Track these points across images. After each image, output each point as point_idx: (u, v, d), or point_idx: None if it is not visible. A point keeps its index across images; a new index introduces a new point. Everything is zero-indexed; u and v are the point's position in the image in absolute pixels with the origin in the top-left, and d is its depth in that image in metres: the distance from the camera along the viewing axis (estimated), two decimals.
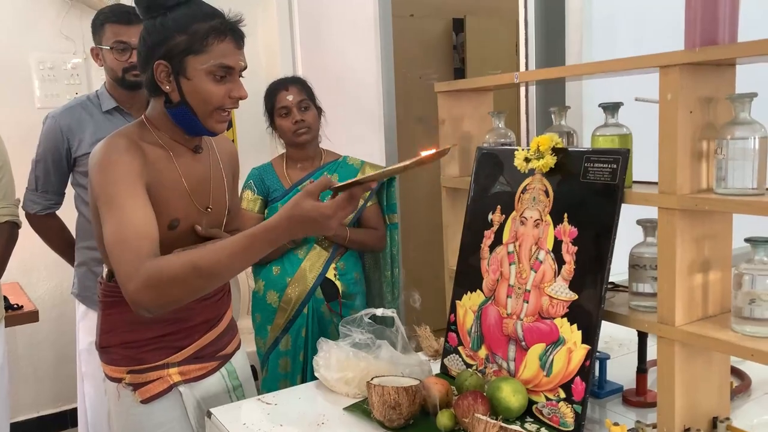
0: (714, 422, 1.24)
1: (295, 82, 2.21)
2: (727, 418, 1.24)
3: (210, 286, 1.25)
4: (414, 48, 4.14)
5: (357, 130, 2.94)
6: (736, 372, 1.48)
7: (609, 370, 1.50)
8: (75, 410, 2.52)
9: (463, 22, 4.28)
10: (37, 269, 3.08)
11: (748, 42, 1.07)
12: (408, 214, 3.19)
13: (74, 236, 2.31)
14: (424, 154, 1.16)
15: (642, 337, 1.43)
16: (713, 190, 1.15)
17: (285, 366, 2.19)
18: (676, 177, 1.14)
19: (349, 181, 1.19)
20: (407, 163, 1.18)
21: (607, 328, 1.60)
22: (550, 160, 1.35)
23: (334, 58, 3.18)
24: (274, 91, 2.20)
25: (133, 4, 2.17)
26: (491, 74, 3.71)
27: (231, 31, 1.33)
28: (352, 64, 3.04)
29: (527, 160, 1.40)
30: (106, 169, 1.27)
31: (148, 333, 1.40)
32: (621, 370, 1.52)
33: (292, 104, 2.14)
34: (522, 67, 2.13)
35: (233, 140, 3.45)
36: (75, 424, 2.55)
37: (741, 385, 1.43)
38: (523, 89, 2.12)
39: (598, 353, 1.46)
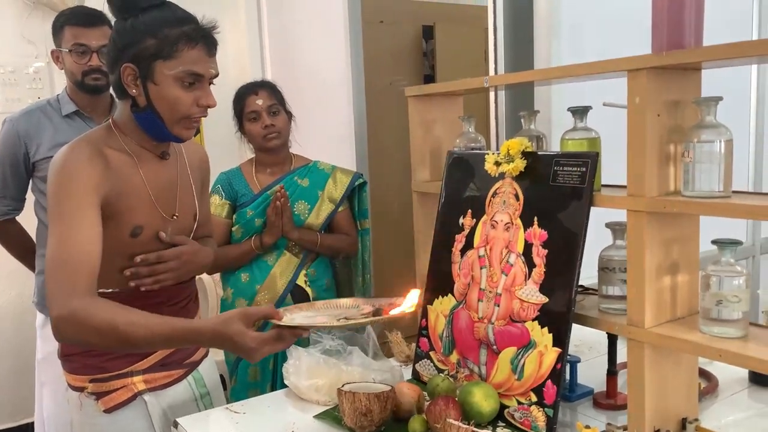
0: (683, 423, 1.25)
1: (265, 87, 2.19)
2: (696, 419, 1.25)
3: (125, 351, 1.35)
4: (384, 54, 4.14)
5: (327, 135, 2.92)
6: (703, 373, 1.50)
7: (579, 373, 1.51)
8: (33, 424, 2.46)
9: (433, 29, 4.29)
10: None
11: (714, 46, 1.08)
12: (380, 219, 3.18)
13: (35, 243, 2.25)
14: (390, 312, 1.18)
15: (612, 340, 1.43)
16: (681, 192, 1.16)
17: (254, 375, 2.15)
18: (644, 180, 1.15)
19: (289, 323, 1.18)
20: (363, 320, 1.20)
21: (577, 332, 1.60)
22: (520, 164, 1.36)
23: (303, 64, 3.16)
24: (243, 95, 2.17)
25: (94, 7, 2.16)
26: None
27: (203, 37, 1.30)
28: (322, 70, 3.02)
29: (497, 163, 1.40)
30: (61, 180, 1.24)
31: None
32: (592, 373, 1.53)
33: (262, 108, 2.12)
34: (491, 73, 2.13)
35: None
36: None
37: (708, 386, 1.45)
38: (492, 94, 2.13)
39: (569, 356, 1.46)
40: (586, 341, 1.75)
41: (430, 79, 4.42)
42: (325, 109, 2.97)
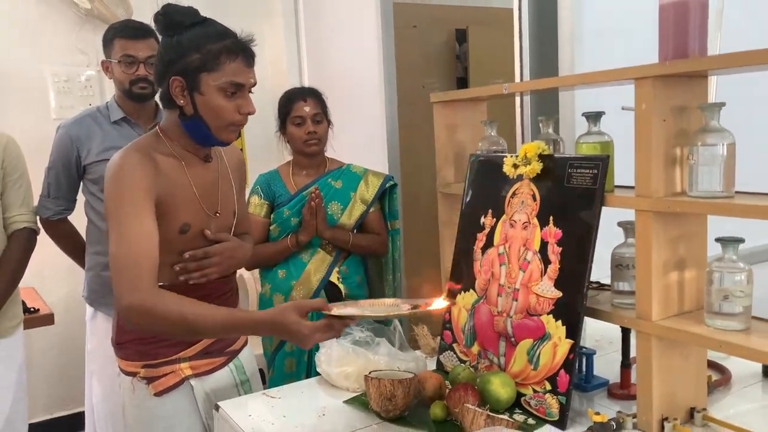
0: (691, 412, 1.31)
1: (313, 95, 2.29)
2: (704, 409, 1.32)
3: (189, 338, 1.50)
4: (417, 58, 4.23)
5: (361, 139, 3.03)
6: (717, 367, 1.56)
7: (598, 366, 1.58)
8: (84, 413, 2.61)
9: (466, 32, 4.36)
10: (50, 276, 3.17)
11: (716, 56, 1.15)
12: (411, 219, 3.27)
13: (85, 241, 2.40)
14: (428, 307, 1.30)
15: (625, 334, 1.50)
16: (686, 193, 1.23)
17: (290, 366, 2.27)
18: (651, 181, 1.22)
19: (339, 313, 1.29)
20: (403, 312, 1.34)
21: (598, 328, 1.68)
22: (536, 166, 1.44)
23: (338, 69, 3.28)
24: (291, 99, 2.27)
25: (141, 20, 2.30)
26: (493, 83, 3.82)
27: (242, 50, 1.42)
28: (355, 75, 3.13)
29: (515, 166, 1.48)
30: (117, 184, 1.37)
31: None
32: (608, 366, 1.60)
33: (308, 115, 2.22)
34: (517, 78, 2.21)
35: (242, 148, 3.56)
36: (84, 426, 2.64)
37: (721, 379, 1.51)
38: (518, 99, 2.20)
39: (585, 349, 1.55)
40: (606, 336, 1.82)
41: (462, 81, 4.50)
42: (358, 114, 3.08)
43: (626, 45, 2.18)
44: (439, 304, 1.32)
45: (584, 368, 1.54)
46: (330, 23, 3.35)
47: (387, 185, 2.36)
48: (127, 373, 1.54)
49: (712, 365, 1.55)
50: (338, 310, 1.31)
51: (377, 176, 2.36)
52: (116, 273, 1.31)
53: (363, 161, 2.43)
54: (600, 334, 1.82)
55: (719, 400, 1.44)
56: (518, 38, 2.17)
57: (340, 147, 2.44)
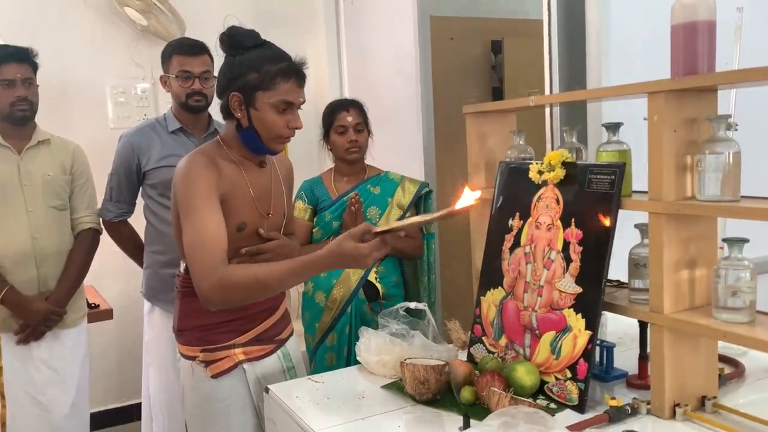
0: (702, 401, 1.42)
1: (355, 106, 2.45)
2: (714, 397, 1.42)
3: (266, 296, 1.60)
4: (453, 69, 4.37)
5: (399, 147, 3.18)
6: (731, 361, 1.65)
7: (619, 359, 1.69)
8: (139, 405, 2.78)
9: (501, 43, 4.49)
10: (108, 274, 3.38)
11: (722, 72, 1.27)
12: (447, 224, 3.41)
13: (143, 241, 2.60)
14: (457, 207, 1.44)
15: (643, 329, 1.61)
16: (696, 197, 1.34)
17: (331, 359, 2.42)
18: (662, 186, 1.34)
19: (383, 228, 1.46)
20: (437, 215, 1.49)
21: (620, 325, 1.79)
22: (560, 173, 1.57)
23: (377, 81, 3.44)
24: (336, 109, 2.44)
25: (193, 36, 2.49)
26: (528, 92, 3.96)
27: (295, 73, 1.59)
28: (394, 86, 3.28)
29: (540, 172, 1.61)
30: (188, 183, 1.55)
31: (219, 318, 1.65)
32: (628, 360, 1.70)
33: (350, 125, 2.38)
34: (547, 89, 2.34)
35: (286, 155, 3.76)
36: (139, 417, 2.81)
37: (734, 372, 1.60)
38: (547, 109, 2.33)
39: (605, 342, 1.66)
40: (629, 333, 1.92)
41: (498, 91, 4.62)
42: (397, 123, 3.23)
43: (652, 57, 2.29)
44: (465, 200, 1.44)
45: (605, 360, 1.66)
46: (370, 37, 3.51)
47: (422, 191, 2.50)
48: (187, 358, 1.71)
49: (727, 360, 1.65)
50: (382, 228, 1.46)
51: (413, 183, 2.50)
52: (192, 260, 1.50)
53: (401, 168, 2.58)
54: (623, 331, 1.93)
55: (732, 391, 1.54)
56: (548, 52, 2.29)
57: (379, 155, 2.59)
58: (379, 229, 1.45)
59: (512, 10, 4.36)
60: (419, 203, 2.53)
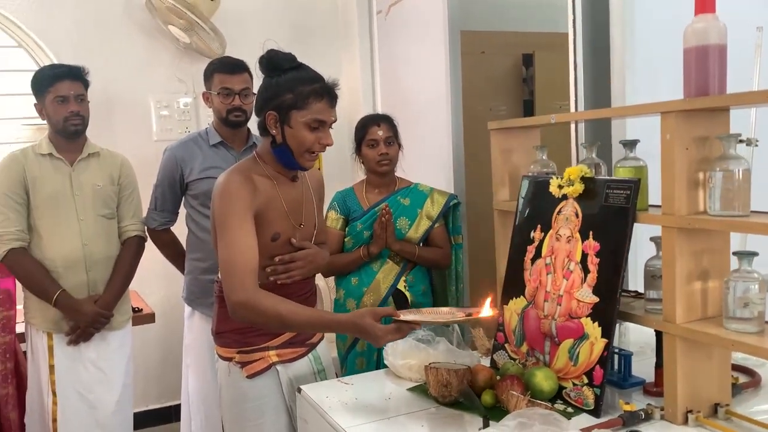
0: (715, 408, 1.47)
1: (386, 120, 2.56)
2: (727, 405, 1.47)
3: (280, 330, 1.78)
4: (484, 82, 4.45)
5: (429, 159, 3.27)
6: (748, 371, 1.70)
7: (638, 368, 1.75)
8: (177, 406, 2.91)
9: (532, 57, 4.56)
10: (151, 280, 3.53)
11: (732, 94, 1.34)
12: (476, 235, 3.48)
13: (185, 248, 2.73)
14: (478, 315, 1.54)
15: (659, 338, 1.67)
16: (707, 212, 1.41)
17: (361, 364, 2.52)
18: (674, 201, 1.41)
19: (406, 318, 1.55)
20: (456, 319, 1.63)
21: (641, 336, 1.85)
22: (579, 187, 1.64)
23: (409, 96, 3.54)
24: (367, 124, 2.55)
25: (233, 53, 2.62)
26: (558, 104, 3.98)
27: (327, 93, 1.70)
28: (424, 100, 3.38)
29: (560, 186, 1.69)
30: (224, 201, 1.67)
31: None
32: (646, 368, 1.75)
33: (381, 138, 2.49)
34: (572, 105, 2.40)
35: (319, 167, 3.88)
36: (178, 418, 2.94)
37: (750, 381, 1.65)
38: (572, 125, 2.39)
39: (622, 351, 1.72)
40: (650, 344, 1.96)
41: (529, 104, 4.68)
42: (428, 136, 3.32)
43: (676, 73, 2.34)
44: (486, 312, 1.53)
45: (623, 368, 1.72)
46: (402, 51, 3.62)
47: (451, 203, 2.58)
48: (224, 359, 1.82)
49: (744, 370, 1.70)
50: (404, 316, 1.55)
51: (442, 195, 2.59)
52: (225, 275, 1.61)
53: (431, 180, 2.67)
54: (644, 341, 1.98)
55: (747, 400, 1.59)
56: (573, 69, 2.36)
57: (410, 166, 2.69)
58: (402, 318, 1.55)
59: (542, 23, 4.42)
60: (448, 214, 2.62)
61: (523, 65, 4.67)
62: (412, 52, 3.51)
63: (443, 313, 1.65)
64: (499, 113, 4.73)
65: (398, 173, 2.63)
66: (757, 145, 1.70)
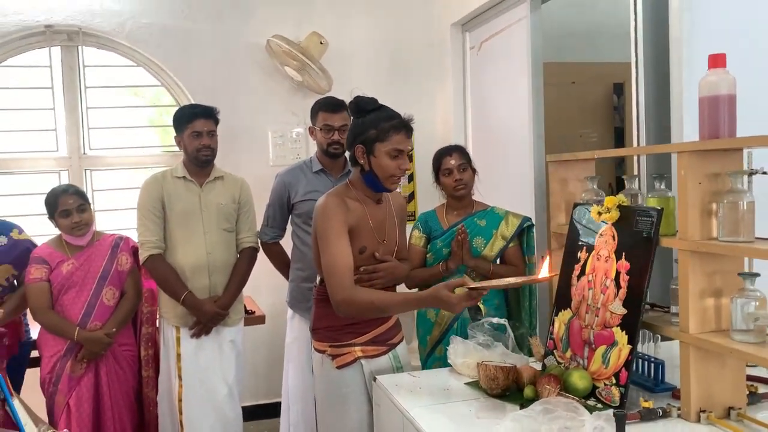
0: (728, 410, 1.67)
1: (457, 149, 2.88)
2: (740, 408, 1.67)
3: (380, 316, 2.13)
4: (575, 110, 4.66)
5: (511, 185, 3.54)
6: (766, 381, 1.87)
7: (672, 375, 1.95)
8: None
9: (623, 86, 4.72)
10: (261, 288, 4.00)
11: (739, 138, 1.57)
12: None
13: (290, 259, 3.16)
14: (540, 276, 1.88)
15: None
16: (717, 238, 1.63)
17: (439, 366, 2.82)
18: (688, 228, 1.64)
19: (476, 285, 1.87)
20: (521, 280, 2.01)
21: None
22: (615, 214, 1.90)
23: (496, 125, 3.83)
24: (441, 156, 2.88)
25: (338, 89, 3.03)
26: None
27: (404, 127, 2.07)
28: (509, 129, 3.66)
29: (600, 213, 1.95)
30: (324, 218, 2.06)
31: (343, 321, 2.12)
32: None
33: (454, 167, 2.81)
34: (634, 141, 2.62)
35: (413, 190, 4.25)
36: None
37: None
38: (635, 157, 2.61)
39: (654, 359, 1.94)
40: None
41: (620, 131, 4.84)
42: (513, 162, 3.59)
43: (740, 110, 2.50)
44: (544, 273, 1.85)
45: (658, 374, 1.93)
46: (490, 84, 3.92)
47: (524, 225, 2.85)
48: (319, 351, 2.20)
49: (761, 380, 1.87)
50: (473, 285, 1.87)
51: (516, 217, 2.86)
52: (328, 276, 2.01)
53: (514, 204, 2.94)
54: None
55: (765, 408, 1.76)
56: (635, 106, 2.59)
57: (490, 190, 2.96)
58: (471, 285, 1.86)
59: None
60: (522, 235, 2.88)
61: (615, 94, 4.84)
62: (498, 84, 3.81)
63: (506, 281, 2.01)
64: (590, 140, 4.92)
65: (476, 197, 2.93)
66: (765, 173, 1.82)
